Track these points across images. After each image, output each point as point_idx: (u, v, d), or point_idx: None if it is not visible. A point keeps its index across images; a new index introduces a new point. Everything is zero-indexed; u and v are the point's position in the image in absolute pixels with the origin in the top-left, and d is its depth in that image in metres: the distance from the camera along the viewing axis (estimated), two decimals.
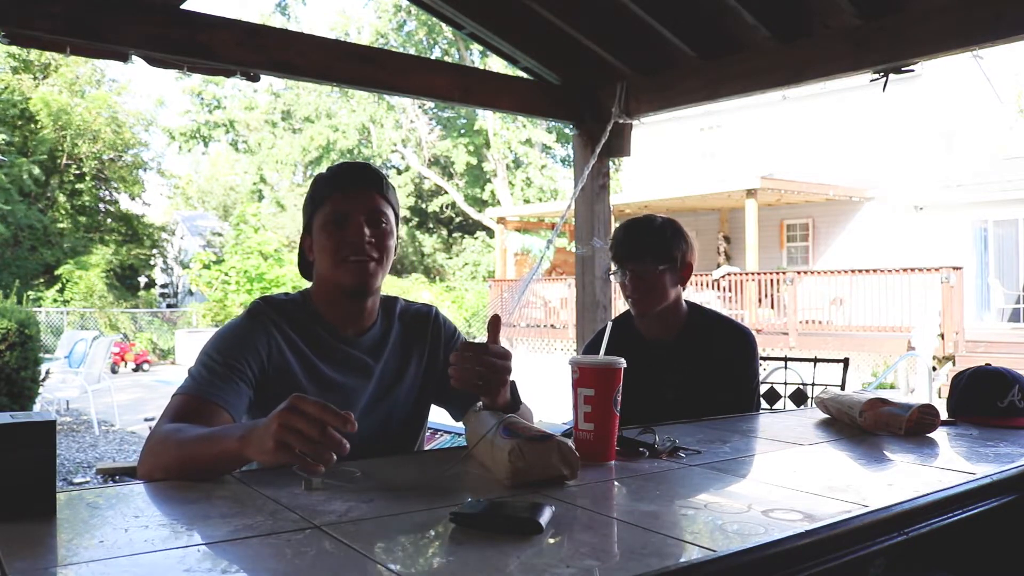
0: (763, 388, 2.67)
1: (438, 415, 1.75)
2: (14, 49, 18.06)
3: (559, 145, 25.43)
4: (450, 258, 27.24)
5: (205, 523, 1.02)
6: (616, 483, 1.31)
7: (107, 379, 9.48)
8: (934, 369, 10.51)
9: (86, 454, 7.06)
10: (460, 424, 1.59)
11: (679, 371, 2.16)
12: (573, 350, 12.50)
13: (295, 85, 24.41)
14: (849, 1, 3.24)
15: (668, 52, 3.97)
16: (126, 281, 23.94)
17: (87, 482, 5.89)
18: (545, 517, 1.00)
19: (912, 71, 3.40)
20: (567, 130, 4.84)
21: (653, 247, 2.12)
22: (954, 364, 10.62)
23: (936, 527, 1.19)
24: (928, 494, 1.21)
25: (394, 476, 1.32)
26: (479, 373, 1.41)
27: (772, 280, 12.81)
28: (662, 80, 4.15)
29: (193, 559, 0.91)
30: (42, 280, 20.73)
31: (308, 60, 3.56)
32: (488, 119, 24.30)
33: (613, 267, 2.20)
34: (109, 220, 24.31)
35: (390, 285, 20.20)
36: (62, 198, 22.04)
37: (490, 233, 23.25)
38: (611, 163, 4.66)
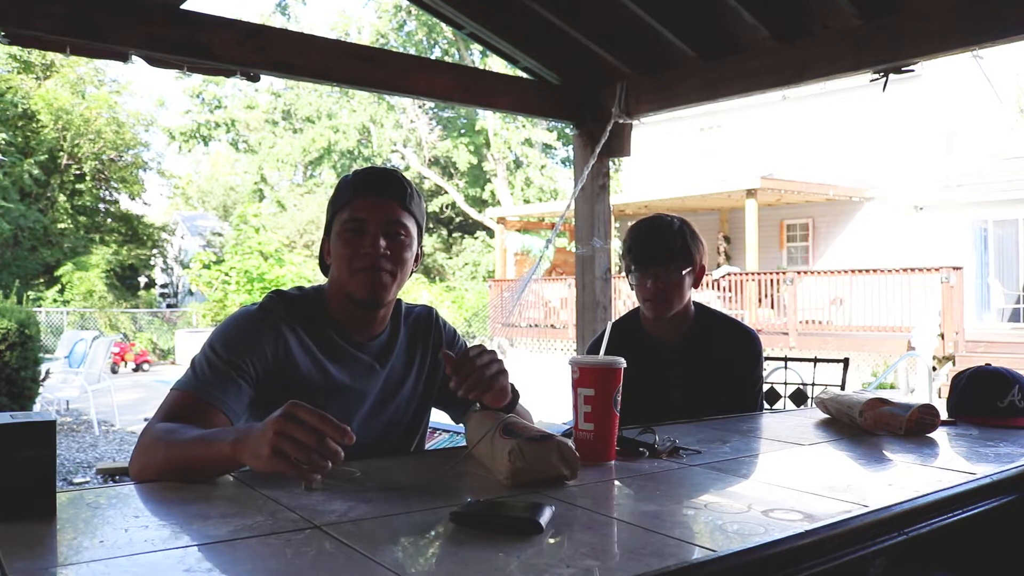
0: (764, 388, 2.67)
1: (438, 414, 1.76)
2: (15, 49, 18.06)
3: (560, 145, 25.43)
4: (450, 258, 27.23)
5: (205, 523, 1.02)
6: (616, 483, 1.31)
7: (107, 379, 9.48)
8: (934, 369, 10.51)
9: (86, 454, 7.06)
10: (460, 425, 1.60)
11: (685, 371, 2.16)
12: (573, 350, 12.50)
13: (295, 85, 24.41)
14: (849, 1, 3.24)
15: (668, 52, 3.97)
16: (126, 281, 23.94)
17: (87, 482, 5.89)
18: (545, 517, 1.00)
19: (912, 71, 3.40)
20: (567, 130, 4.84)
21: (678, 251, 2.09)
22: (954, 364, 10.62)
23: (936, 527, 1.19)
24: (928, 494, 1.21)
25: (394, 476, 1.32)
26: (479, 379, 1.40)
27: (772, 280, 12.81)
28: (662, 80, 4.15)
29: (193, 559, 0.91)
30: (42, 280, 20.73)
31: (308, 60, 3.56)
32: (488, 119, 24.30)
33: (630, 268, 2.14)
34: (109, 220, 24.31)
35: None
36: (62, 198, 22.04)
37: (490, 233, 23.25)
38: (611, 163, 4.66)
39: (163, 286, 26.82)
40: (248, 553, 0.93)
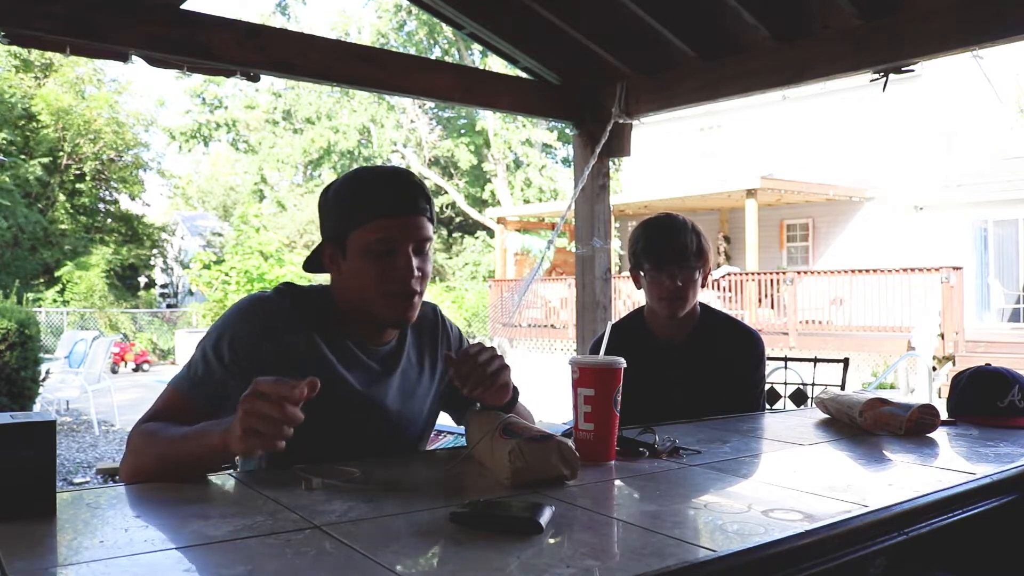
0: (765, 388, 2.67)
1: (441, 416, 1.75)
2: (14, 49, 18.05)
3: (560, 145, 25.43)
4: (450, 258, 27.22)
5: (205, 523, 1.02)
6: (616, 483, 1.31)
7: (107, 379, 9.48)
8: (934, 369, 10.51)
9: (86, 454, 7.06)
10: (462, 426, 1.60)
11: (687, 371, 2.16)
12: (573, 350, 12.50)
13: (296, 85, 24.40)
14: (849, 1, 3.24)
15: (668, 52, 3.97)
16: (126, 281, 23.94)
17: (87, 482, 5.89)
18: (545, 517, 1.00)
19: (912, 71, 3.40)
20: (567, 130, 4.84)
21: (695, 249, 2.10)
22: (954, 364, 10.62)
23: (936, 527, 1.19)
24: (928, 494, 1.21)
25: (394, 476, 1.32)
26: (481, 377, 1.40)
27: (772, 280, 12.81)
28: (662, 80, 4.15)
29: (193, 559, 0.91)
30: (42, 280, 20.73)
31: (308, 60, 3.56)
32: (488, 119, 24.29)
33: (643, 267, 2.13)
34: (109, 220, 24.31)
35: None
36: (62, 198, 22.04)
37: (490, 233, 23.24)
38: (611, 163, 4.66)
39: (163, 286, 26.82)
40: (248, 553, 0.93)
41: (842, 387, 2.71)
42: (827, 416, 1.92)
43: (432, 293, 21.01)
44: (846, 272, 12.32)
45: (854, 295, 11.89)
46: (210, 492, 1.20)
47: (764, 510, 1.10)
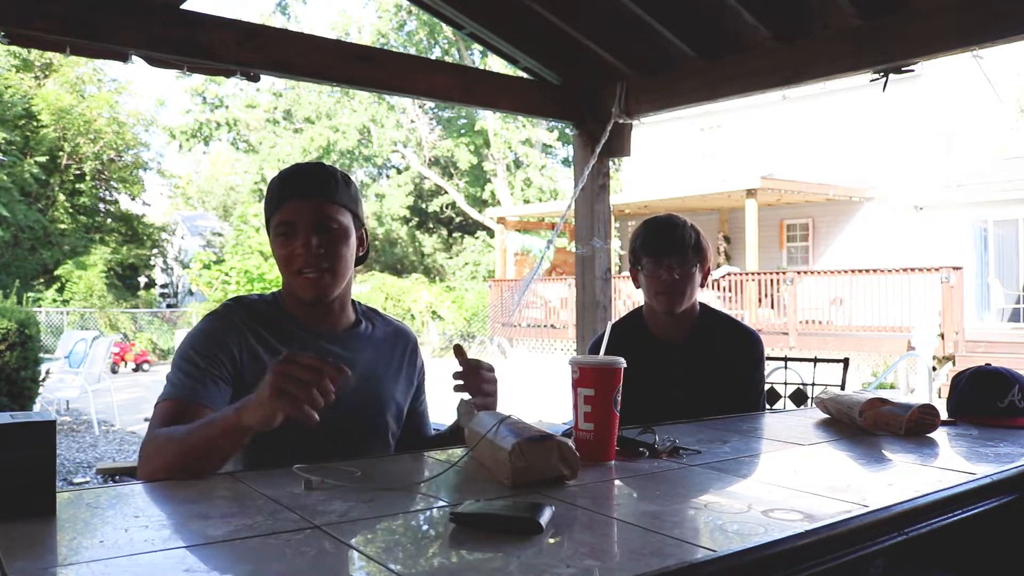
0: (765, 388, 2.67)
1: (444, 418, 1.76)
2: (14, 48, 18.06)
3: (560, 145, 25.43)
4: (450, 258, 27.22)
5: (205, 523, 1.02)
6: (616, 483, 1.31)
7: (107, 379, 9.48)
8: (934, 369, 10.51)
9: (86, 454, 7.06)
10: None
11: (687, 371, 2.16)
12: (573, 350, 12.50)
13: (296, 85, 24.40)
14: (849, 1, 3.24)
15: (668, 52, 3.97)
16: (126, 281, 23.94)
17: (87, 482, 5.89)
18: (545, 517, 1.00)
19: (912, 71, 3.40)
20: (567, 130, 4.84)
21: (693, 244, 2.12)
22: (954, 364, 10.62)
23: (936, 527, 1.19)
24: (928, 494, 1.21)
25: (394, 476, 1.32)
26: (478, 387, 1.54)
27: (772, 280, 12.81)
28: (662, 80, 4.15)
29: (193, 559, 0.91)
30: (42, 280, 20.73)
31: (308, 60, 3.56)
32: (488, 119, 24.29)
33: (641, 261, 2.15)
34: (109, 220, 24.32)
35: (391, 285, 20.22)
36: (62, 198, 22.04)
37: (490, 233, 23.24)
38: (611, 163, 4.66)
39: (163, 286, 26.82)
40: (248, 553, 0.93)
41: (842, 387, 2.71)
42: (827, 416, 1.92)
43: (432, 293, 21.01)
44: (846, 272, 12.32)
45: (854, 295, 11.89)
46: (210, 492, 1.20)
47: (764, 510, 1.10)
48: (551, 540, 0.97)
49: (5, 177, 19.53)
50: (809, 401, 2.75)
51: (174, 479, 1.27)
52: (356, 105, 25.19)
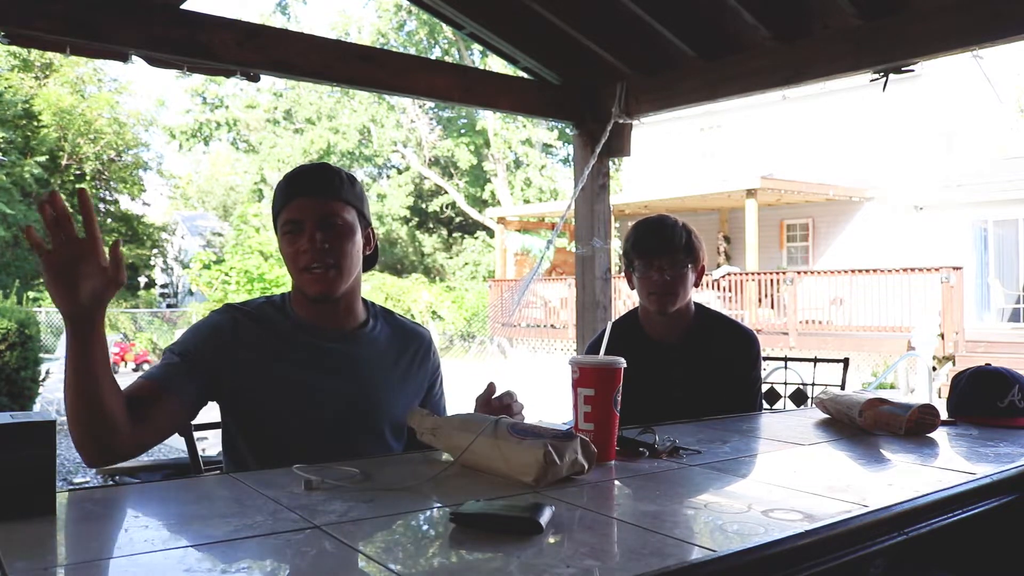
0: (763, 388, 2.67)
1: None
2: (14, 49, 18.05)
3: (560, 144, 25.43)
4: (450, 258, 27.22)
5: (205, 523, 1.02)
6: (616, 483, 1.31)
7: None
8: (934, 369, 10.51)
9: None
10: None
11: (685, 371, 2.17)
12: (573, 350, 12.50)
13: (297, 85, 24.40)
14: (849, 1, 3.23)
15: (668, 52, 3.97)
16: (126, 281, 23.92)
17: (87, 482, 5.89)
18: (545, 517, 1.00)
19: (912, 71, 3.40)
20: (567, 130, 4.84)
21: (683, 244, 2.13)
22: (954, 364, 10.62)
23: (936, 527, 1.19)
24: (928, 494, 1.21)
25: (394, 476, 1.32)
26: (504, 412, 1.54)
27: (772, 280, 12.80)
28: (662, 80, 4.15)
29: (193, 559, 0.91)
30: (42, 280, 20.70)
31: (308, 60, 3.56)
32: (488, 119, 24.29)
33: (633, 263, 2.16)
34: (109, 220, 24.31)
35: (391, 285, 20.22)
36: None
37: (490, 233, 23.24)
38: (611, 163, 4.66)
39: (163, 286, 26.82)
40: (248, 553, 0.93)
41: (842, 387, 2.71)
42: (827, 416, 1.92)
43: (432, 293, 21.01)
44: (846, 272, 12.32)
45: (854, 295, 11.89)
46: (210, 492, 1.20)
47: (764, 510, 1.10)
48: (551, 540, 0.97)
49: (4, 177, 19.52)
50: (809, 401, 2.75)
51: (78, 414, 1.29)
52: (356, 105, 25.19)
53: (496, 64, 15.61)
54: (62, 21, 2.93)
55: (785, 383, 2.90)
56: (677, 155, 17.49)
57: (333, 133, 25.54)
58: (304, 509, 1.08)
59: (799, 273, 13.13)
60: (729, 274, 13.35)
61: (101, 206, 24.23)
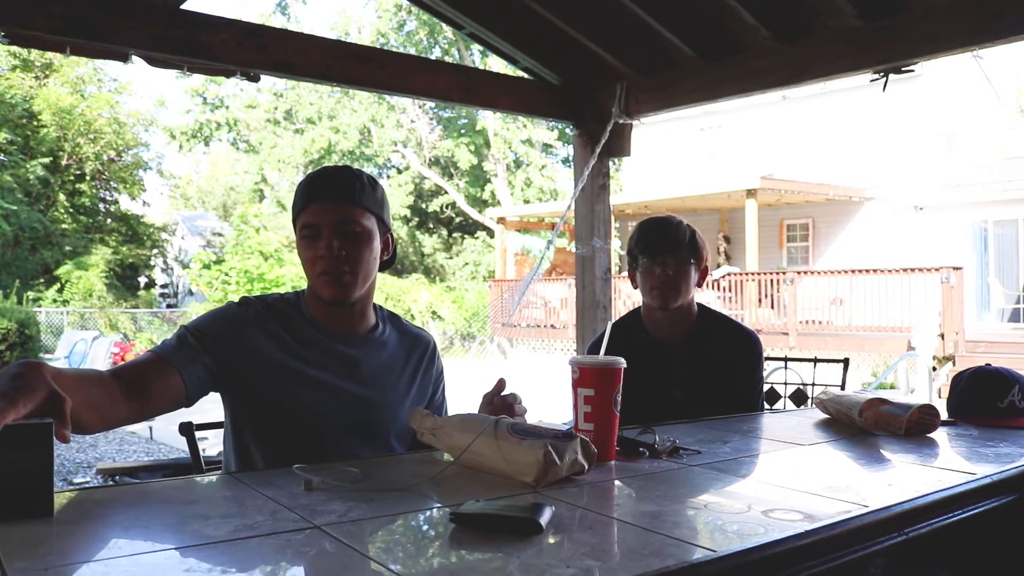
0: (764, 388, 2.67)
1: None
2: (14, 49, 18.06)
3: (560, 144, 25.43)
4: (450, 258, 27.22)
5: (205, 523, 1.02)
6: (616, 483, 1.31)
7: None
8: (934, 369, 10.51)
9: (86, 454, 7.06)
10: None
11: (686, 371, 2.17)
12: (573, 350, 12.49)
13: (297, 85, 24.40)
14: (849, 1, 3.23)
15: (668, 52, 3.97)
16: (126, 281, 23.94)
17: (87, 482, 5.89)
18: (545, 517, 1.00)
19: (912, 71, 3.40)
20: (567, 130, 4.84)
21: (687, 242, 2.15)
22: (954, 364, 10.62)
23: (936, 527, 1.19)
24: (928, 494, 1.21)
25: (394, 476, 1.32)
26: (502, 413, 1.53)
27: (772, 280, 12.80)
28: (662, 80, 4.15)
29: (193, 559, 0.91)
30: (42, 280, 20.73)
31: (308, 60, 3.56)
32: (488, 119, 24.29)
33: (637, 260, 2.18)
34: (109, 220, 24.32)
35: (391, 285, 20.22)
36: (62, 198, 22.05)
37: (490, 233, 23.24)
38: (611, 163, 4.66)
39: (163, 286, 26.82)
40: (248, 553, 0.93)
41: (842, 387, 2.71)
42: (827, 416, 1.92)
43: (432, 293, 21.01)
44: (846, 272, 12.32)
45: (854, 295, 11.89)
46: (210, 492, 1.20)
47: (764, 510, 1.10)
48: (551, 540, 0.97)
49: (8, 177, 19.54)
50: (809, 401, 2.75)
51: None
52: (356, 105, 25.18)
53: (496, 64, 15.61)
54: (62, 21, 2.93)
55: (785, 383, 2.90)
56: (677, 155, 17.49)
57: (334, 133, 25.54)
58: (304, 509, 1.08)
59: (799, 273, 13.13)
60: (729, 274, 13.35)
61: (101, 206, 24.24)
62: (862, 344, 11.37)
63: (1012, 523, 1.43)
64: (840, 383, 2.76)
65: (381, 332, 1.68)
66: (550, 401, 4.97)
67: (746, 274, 13.19)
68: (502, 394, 1.58)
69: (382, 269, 1.68)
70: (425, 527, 1.06)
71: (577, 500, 1.17)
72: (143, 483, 1.27)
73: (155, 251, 26.00)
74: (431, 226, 28.59)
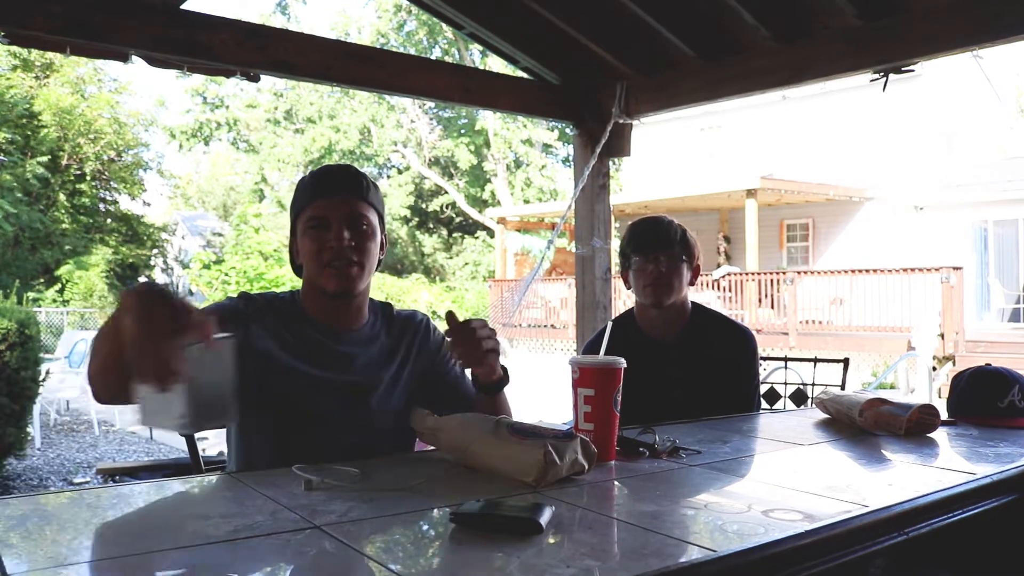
0: (763, 388, 2.67)
1: None
2: (14, 49, 18.06)
3: (560, 144, 25.42)
4: (450, 258, 27.22)
5: (205, 523, 1.02)
6: (616, 483, 1.31)
7: None
8: (934, 369, 10.51)
9: (86, 454, 7.06)
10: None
11: (682, 369, 2.17)
12: (573, 350, 12.49)
13: (297, 85, 24.40)
14: (849, 1, 3.23)
15: (668, 52, 3.96)
16: (126, 281, 23.91)
17: (87, 482, 5.89)
18: (545, 517, 1.00)
19: (912, 71, 3.40)
20: (567, 130, 4.84)
21: (679, 239, 2.18)
22: (954, 364, 10.62)
23: (936, 527, 1.19)
24: (928, 494, 1.21)
25: (394, 476, 1.32)
26: (478, 349, 1.51)
27: (772, 280, 12.80)
28: (662, 80, 4.15)
29: (193, 559, 0.91)
30: (42, 280, 20.72)
31: (308, 60, 3.56)
32: (488, 119, 24.29)
33: (630, 259, 2.20)
34: (109, 220, 24.30)
35: (391, 285, 20.24)
36: (62, 198, 22.04)
37: (490, 233, 23.24)
38: (611, 163, 4.66)
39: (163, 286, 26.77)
40: (248, 553, 0.93)
41: (842, 387, 2.71)
42: (827, 416, 1.92)
43: (432, 293, 21.02)
44: (846, 272, 12.32)
45: (854, 295, 11.89)
46: (210, 492, 1.20)
47: (764, 510, 1.10)
48: (551, 540, 0.97)
49: (8, 177, 19.53)
50: (809, 401, 2.75)
51: (107, 376, 1.23)
52: (356, 105, 25.19)
53: (496, 64, 15.61)
54: (62, 21, 2.93)
55: (785, 383, 2.90)
56: (677, 155, 17.49)
57: (334, 132, 25.54)
58: (304, 509, 1.08)
59: (799, 273, 13.13)
60: (729, 274, 13.35)
61: (101, 206, 24.23)
62: (862, 344, 11.37)
63: (1012, 523, 1.43)
64: (840, 383, 2.76)
65: (372, 325, 1.68)
66: (550, 401, 4.97)
67: (746, 274, 13.19)
68: (465, 326, 1.51)
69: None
70: (425, 527, 1.06)
71: (577, 500, 1.17)
72: (143, 483, 1.27)
73: (155, 251, 25.99)
74: (431, 226, 28.59)
